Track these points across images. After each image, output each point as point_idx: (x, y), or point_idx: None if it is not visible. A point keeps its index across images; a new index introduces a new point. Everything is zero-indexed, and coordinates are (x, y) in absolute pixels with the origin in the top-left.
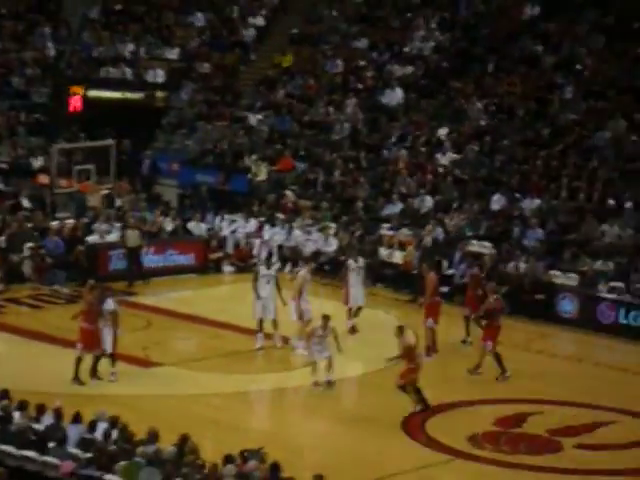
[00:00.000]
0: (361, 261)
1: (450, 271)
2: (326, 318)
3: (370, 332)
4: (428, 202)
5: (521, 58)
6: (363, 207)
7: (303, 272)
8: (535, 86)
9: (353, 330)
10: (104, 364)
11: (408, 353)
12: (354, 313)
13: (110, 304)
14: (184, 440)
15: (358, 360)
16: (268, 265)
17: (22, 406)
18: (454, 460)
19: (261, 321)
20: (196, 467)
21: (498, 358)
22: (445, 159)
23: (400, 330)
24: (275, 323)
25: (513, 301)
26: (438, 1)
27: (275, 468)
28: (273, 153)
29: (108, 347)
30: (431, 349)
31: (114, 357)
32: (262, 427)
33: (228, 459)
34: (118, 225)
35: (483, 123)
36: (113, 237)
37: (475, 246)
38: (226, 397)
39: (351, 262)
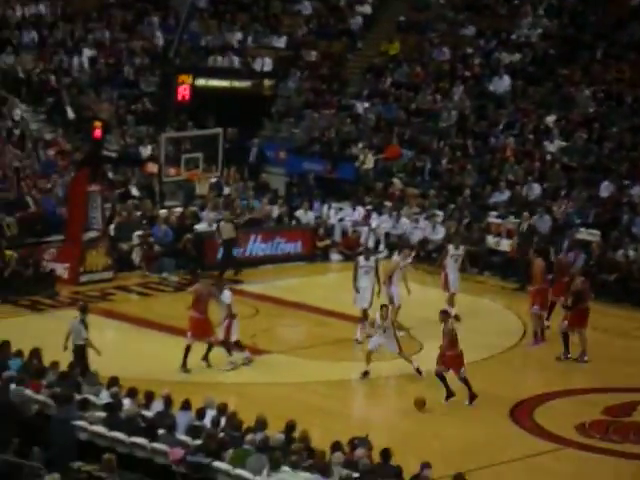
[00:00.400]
0: (461, 248)
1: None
2: (385, 307)
3: (475, 320)
4: (536, 190)
5: (630, 44)
6: (470, 195)
7: (397, 258)
8: None
9: (456, 318)
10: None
11: (451, 339)
12: (450, 301)
13: (227, 296)
14: (292, 427)
15: (465, 349)
16: (367, 256)
17: (132, 393)
18: (562, 449)
19: (365, 311)
20: (304, 454)
21: (565, 339)
22: (553, 146)
23: (445, 316)
24: (365, 313)
25: (621, 289)
26: None
27: (386, 454)
28: (380, 141)
29: (234, 336)
30: (538, 336)
31: (233, 345)
32: (368, 415)
33: (336, 446)
34: (226, 213)
35: (591, 110)
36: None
37: (583, 233)
38: (333, 385)
39: (451, 248)
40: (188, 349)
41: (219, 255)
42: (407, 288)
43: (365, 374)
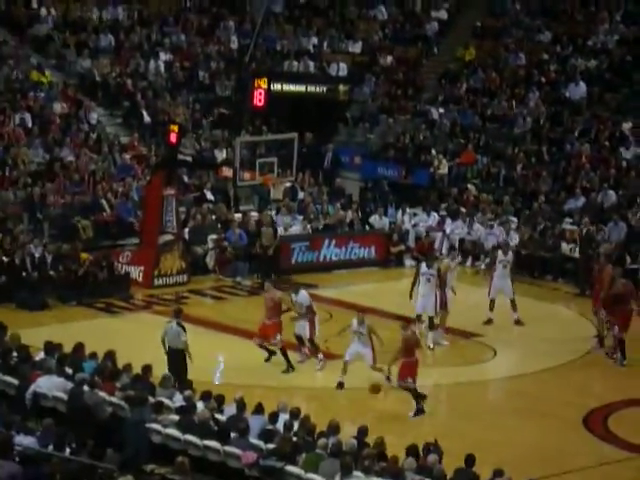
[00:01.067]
0: (510, 255)
1: (634, 266)
2: (362, 313)
3: (549, 327)
4: (611, 197)
5: None
6: (545, 201)
7: (447, 261)
8: None
9: (518, 323)
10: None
11: (406, 347)
12: (512, 306)
13: (304, 297)
14: (364, 432)
15: (538, 355)
16: (429, 264)
17: (205, 397)
18: (637, 457)
19: (419, 317)
20: (376, 459)
21: (622, 345)
22: (629, 153)
23: (406, 324)
24: (432, 321)
25: None
26: None
27: (470, 460)
28: (455, 147)
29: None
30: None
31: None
32: (442, 421)
33: (411, 450)
34: (300, 217)
35: None
36: (296, 230)
37: None
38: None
39: (499, 254)
40: (283, 350)
41: (307, 257)
42: (452, 290)
43: (340, 385)
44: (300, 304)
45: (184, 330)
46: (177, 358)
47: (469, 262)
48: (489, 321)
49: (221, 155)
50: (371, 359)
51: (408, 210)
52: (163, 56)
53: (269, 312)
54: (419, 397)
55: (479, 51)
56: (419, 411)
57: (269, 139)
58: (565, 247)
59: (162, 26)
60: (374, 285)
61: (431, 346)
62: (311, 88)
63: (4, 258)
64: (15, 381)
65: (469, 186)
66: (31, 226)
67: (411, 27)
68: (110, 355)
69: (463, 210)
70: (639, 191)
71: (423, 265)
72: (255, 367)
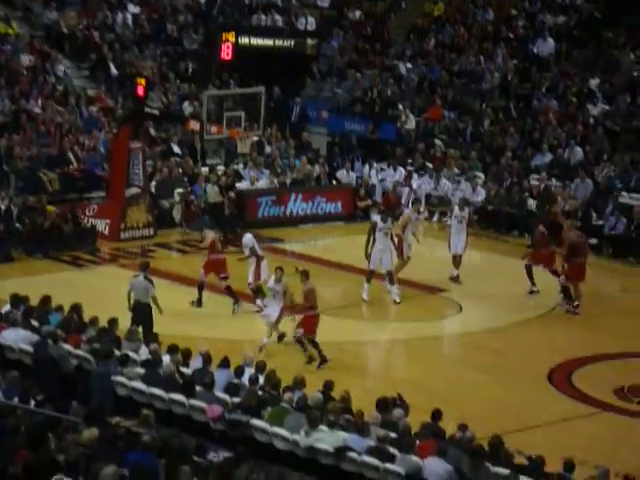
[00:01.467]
0: (466, 210)
1: (600, 222)
2: (280, 270)
3: (516, 282)
4: (578, 153)
5: None
6: (512, 157)
7: (408, 212)
8: None
9: (455, 279)
10: None
11: (309, 299)
12: (454, 262)
13: (248, 239)
14: (329, 387)
15: (504, 310)
16: (384, 218)
17: (171, 350)
18: (600, 412)
19: (372, 272)
20: (341, 414)
21: (566, 291)
22: (596, 110)
23: (305, 275)
24: (391, 275)
25: None
26: None
27: (437, 415)
28: (422, 102)
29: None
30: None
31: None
32: (407, 376)
33: (379, 405)
34: (267, 172)
35: (635, 74)
36: (262, 184)
37: (625, 198)
38: (371, 345)
39: (455, 209)
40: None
41: (274, 211)
42: (417, 239)
43: (281, 337)
44: (244, 246)
45: (152, 284)
46: (144, 312)
47: (436, 217)
48: (456, 278)
49: (188, 109)
50: (275, 320)
51: (375, 165)
52: (131, 9)
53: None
54: (318, 348)
55: (447, 6)
56: (323, 361)
57: (236, 93)
58: (531, 203)
59: None
60: (340, 239)
61: (397, 300)
62: (279, 42)
63: None
64: None
65: (436, 141)
66: None
67: None
68: (76, 308)
69: (430, 165)
70: (605, 148)
71: (378, 219)
72: (221, 320)
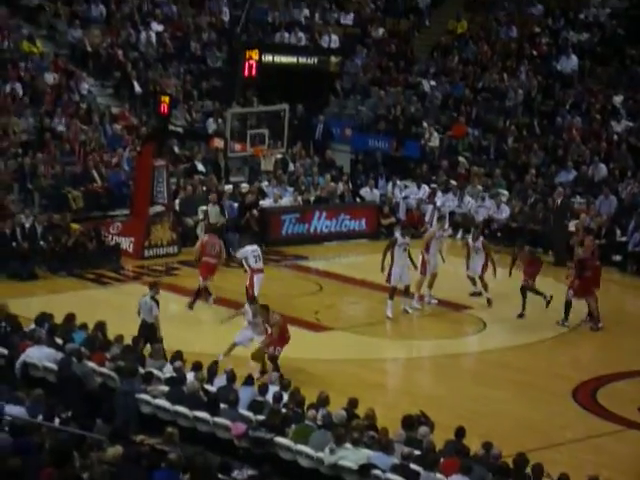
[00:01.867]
0: (407, 238)
1: (623, 239)
2: (264, 308)
3: (540, 299)
4: (602, 170)
5: None
6: (536, 174)
7: (434, 228)
8: None
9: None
10: None
11: (281, 331)
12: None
13: (242, 252)
14: (354, 404)
15: (527, 327)
16: (404, 233)
17: (196, 368)
18: (625, 430)
19: (394, 289)
20: (364, 431)
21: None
22: (620, 127)
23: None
24: (407, 290)
25: None
26: None
27: (460, 433)
28: (446, 119)
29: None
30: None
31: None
32: (431, 393)
33: (404, 423)
34: (291, 189)
35: None
36: (286, 201)
37: None
38: (395, 362)
39: (398, 237)
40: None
41: (297, 229)
42: (442, 257)
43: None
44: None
45: (157, 304)
46: (148, 332)
47: (459, 234)
48: (480, 294)
49: (212, 126)
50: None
51: (399, 182)
52: (155, 27)
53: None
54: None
55: (471, 24)
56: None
57: (260, 110)
58: None
59: None
60: (364, 257)
61: (409, 311)
62: (302, 60)
63: None
64: (5, 351)
65: (460, 159)
66: (21, 196)
67: None
68: (100, 326)
69: (454, 183)
70: (629, 164)
71: (399, 235)
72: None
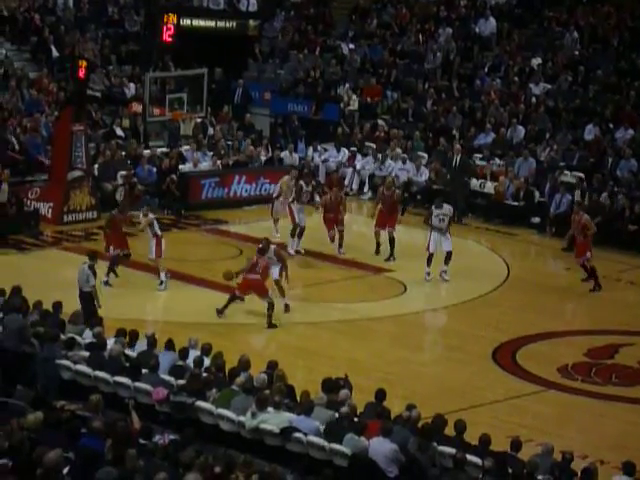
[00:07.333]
0: (310, 186)
1: (542, 199)
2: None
3: (461, 261)
4: (520, 132)
5: None
6: (459, 137)
7: (286, 178)
8: (630, 16)
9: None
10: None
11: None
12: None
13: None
14: (273, 367)
15: (448, 290)
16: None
17: (118, 333)
18: (545, 391)
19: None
20: (286, 394)
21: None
22: (538, 89)
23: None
24: (303, 231)
25: (605, 232)
26: None
27: (381, 395)
28: (365, 83)
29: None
30: None
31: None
32: (351, 356)
33: (325, 385)
34: (211, 153)
35: (577, 53)
36: (205, 165)
37: (567, 176)
38: (315, 326)
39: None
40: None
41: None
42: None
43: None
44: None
45: (94, 274)
46: (85, 300)
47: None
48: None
49: (130, 91)
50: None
51: (318, 146)
52: None
53: None
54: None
55: None
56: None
57: (179, 75)
58: (475, 182)
59: None
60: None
61: (291, 252)
62: (221, 23)
63: None
64: None
65: (379, 121)
66: None
67: None
68: (17, 290)
69: (373, 146)
70: (548, 127)
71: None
72: (165, 303)
